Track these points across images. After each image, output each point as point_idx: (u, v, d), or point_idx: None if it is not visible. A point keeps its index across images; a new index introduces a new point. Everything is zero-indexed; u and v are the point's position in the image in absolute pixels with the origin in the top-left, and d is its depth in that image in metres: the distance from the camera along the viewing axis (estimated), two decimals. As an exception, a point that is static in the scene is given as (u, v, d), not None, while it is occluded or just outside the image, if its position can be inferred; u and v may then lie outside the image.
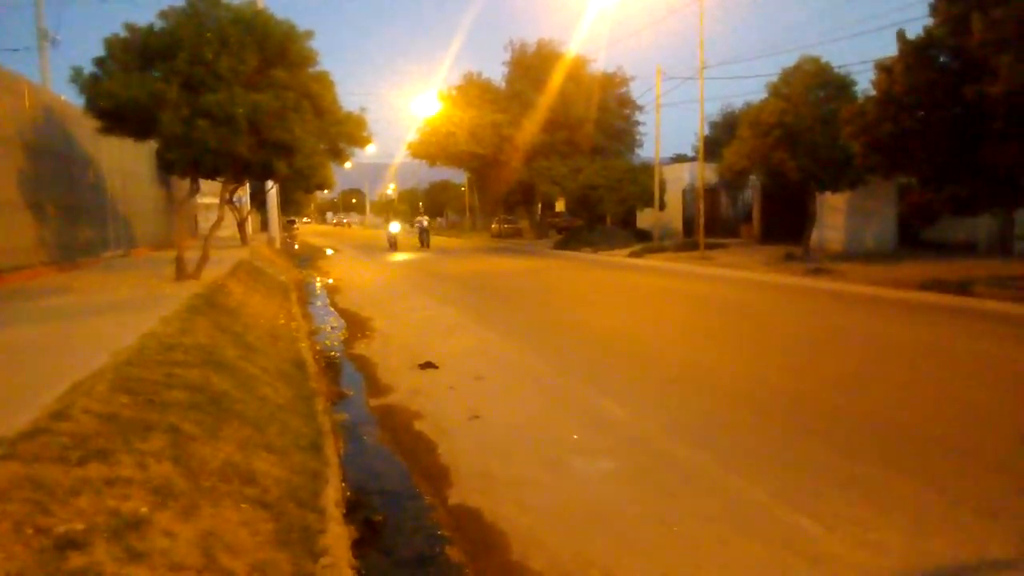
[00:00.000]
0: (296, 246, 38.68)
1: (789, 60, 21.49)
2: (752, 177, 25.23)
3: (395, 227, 34.98)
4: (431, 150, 42.76)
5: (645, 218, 33.70)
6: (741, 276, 18.08)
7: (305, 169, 12.93)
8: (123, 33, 11.00)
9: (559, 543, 3.86)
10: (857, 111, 15.18)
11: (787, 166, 19.66)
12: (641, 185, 30.63)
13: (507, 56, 44.48)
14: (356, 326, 11.50)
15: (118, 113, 10.68)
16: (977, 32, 12.09)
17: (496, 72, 67.57)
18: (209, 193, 22.58)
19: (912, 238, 22.58)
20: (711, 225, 28.31)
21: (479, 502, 4.45)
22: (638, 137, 45.10)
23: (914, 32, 13.98)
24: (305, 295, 16.04)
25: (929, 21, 13.88)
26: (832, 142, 18.03)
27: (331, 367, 8.73)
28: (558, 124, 39.05)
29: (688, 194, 32.49)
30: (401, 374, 7.99)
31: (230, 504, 3.40)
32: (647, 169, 31.31)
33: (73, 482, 3.10)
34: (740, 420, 5.99)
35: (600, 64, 53.32)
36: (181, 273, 11.47)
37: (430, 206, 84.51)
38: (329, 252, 34.51)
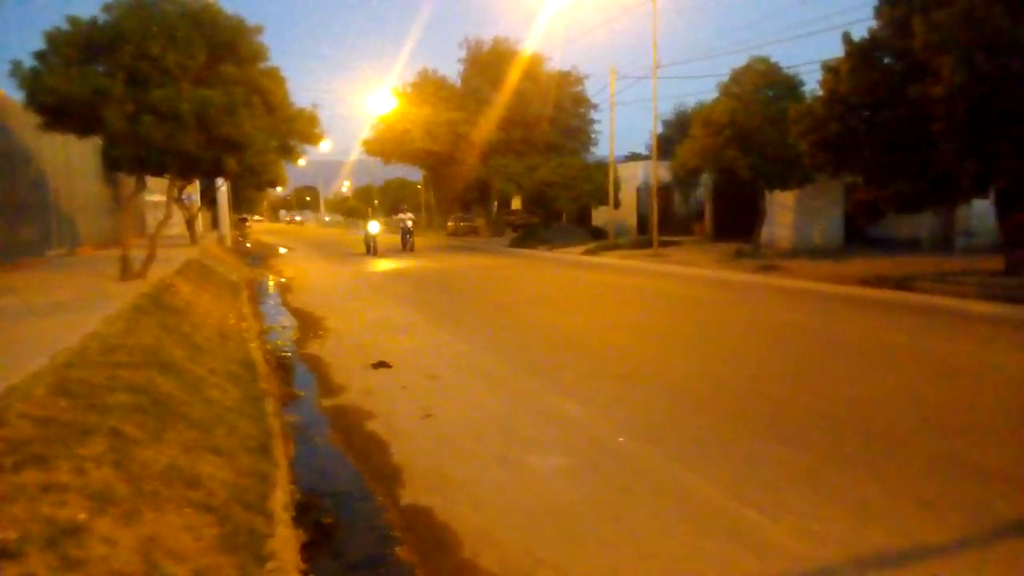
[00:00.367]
0: (248, 244, 38.05)
1: (740, 60, 21.88)
2: (704, 175, 25.61)
3: (374, 227, 28.85)
4: (386, 147, 42.49)
5: (600, 216, 33.94)
6: (693, 273, 18.33)
7: (256, 166, 12.72)
8: (65, 26, 10.68)
9: (511, 540, 3.87)
10: (805, 111, 15.48)
11: (738, 164, 20.00)
12: (596, 183, 30.83)
13: (462, 54, 44.40)
14: (309, 325, 11.36)
15: (60, 109, 10.36)
16: (919, 34, 12.42)
17: (451, 69, 67.35)
18: (158, 190, 22.06)
19: (858, 235, 23.17)
20: (665, 223, 28.62)
21: (431, 501, 4.43)
22: (593, 135, 45.40)
23: (859, 34, 14.34)
24: (257, 294, 15.79)
25: (874, 23, 14.24)
26: (781, 141, 18.34)
27: (282, 367, 8.60)
28: (514, 122, 39.09)
29: (642, 192, 32.82)
30: (354, 374, 7.92)
31: (173, 509, 3.33)
32: (602, 167, 31.53)
33: (7, 489, 3.00)
34: (690, 415, 6.07)
35: (555, 63, 53.47)
36: (127, 272, 11.19)
37: (385, 204, 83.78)
38: (283, 251, 34.01)
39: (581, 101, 44.00)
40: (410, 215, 31.29)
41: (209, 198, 29.36)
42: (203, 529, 3.26)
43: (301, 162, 18.90)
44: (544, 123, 39.99)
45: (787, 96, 20.03)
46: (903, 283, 13.52)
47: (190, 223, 24.44)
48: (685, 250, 24.21)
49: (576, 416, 6.10)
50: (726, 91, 21.30)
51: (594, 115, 44.60)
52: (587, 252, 26.03)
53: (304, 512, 4.31)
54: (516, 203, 42.78)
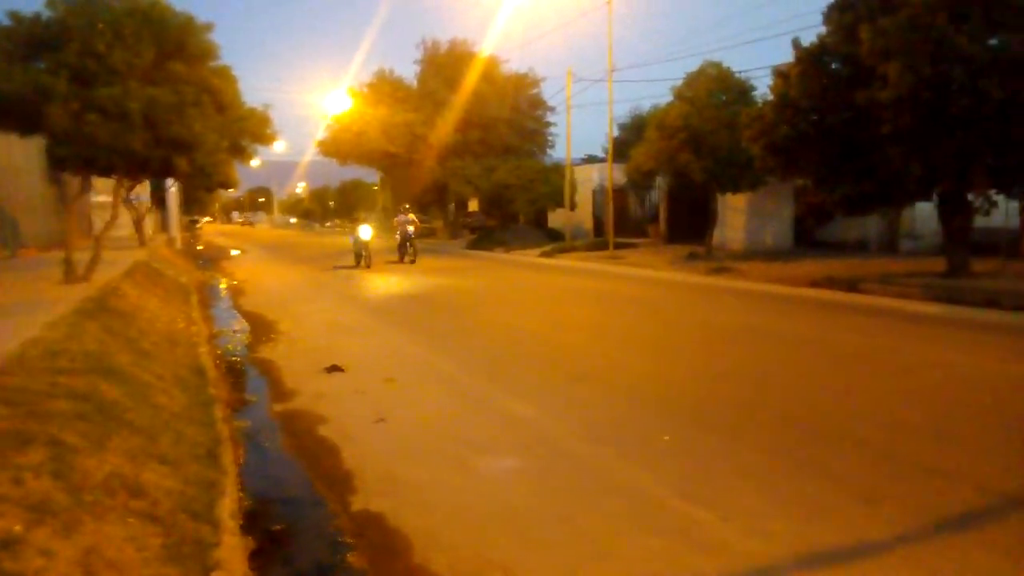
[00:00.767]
0: (200, 247, 37.34)
1: (694, 64, 22.17)
2: (659, 178, 25.87)
3: (366, 232, 21.99)
4: (342, 148, 42.11)
5: (557, 218, 34.08)
6: (648, 275, 18.53)
7: (207, 167, 12.47)
8: (6, 21, 10.37)
9: (462, 544, 3.86)
10: (756, 115, 15.76)
11: (691, 167, 20.25)
12: (553, 185, 30.97)
13: (419, 55, 44.24)
14: (261, 329, 11.19)
15: (0, 107, 10.05)
16: (866, 41, 12.75)
17: (408, 70, 66.95)
18: (105, 191, 21.43)
19: (808, 237, 23.64)
20: (620, 225, 28.88)
21: (383, 506, 4.40)
22: (549, 138, 45.57)
23: (809, 40, 14.66)
24: (207, 298, 15.49)
25: (823, 30, 14.56)
26: (734, 145, 18.59)
27: (233, 372, 8.45)
28: (471, 124, 39.07)
29: (598, 194, 33.04)
30: (307, 378, 7.82)
31: (116, 519, 3.25)
32: (558, 169, 31.68)
33: (-62, 502, 2.90)
34: (644, 416, 6.13)
35: (512, 65, 53.70)
36: (71, 275, 10.89)
37: (341, 205, 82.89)
38: (235, 253, 33.45)
39: (538, 103, 44.17)
40: (412, 216, 24.36)
41: (159, 199, 28.73)
42: (147, 539, 3.19)
43: (254, 163, 18.62)
44: (501, 125, 40.05)
45: (739, 100, 20.32)
46: (852, 285, 13.86)
47: (138, 225, 23.86)
48: (640, 252, 24.45)
49: (531, 418, 6.11)
50: (679, 95, 21.54)
51: (551, 117, 44.82)
52: (544, 254, 26.13)
53: (253, 520, 4.25)
54: (473, 205, 42.75)
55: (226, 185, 18.76)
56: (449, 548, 3.81)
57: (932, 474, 4.60)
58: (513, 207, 32.31)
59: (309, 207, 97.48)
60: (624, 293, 15.11)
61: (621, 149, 29.19)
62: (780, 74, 15.05)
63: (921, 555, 3.58)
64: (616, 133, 32.52)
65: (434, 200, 43.73)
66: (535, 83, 43.80)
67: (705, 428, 5.70)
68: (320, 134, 44.09)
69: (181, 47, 11.10)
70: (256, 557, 3.75)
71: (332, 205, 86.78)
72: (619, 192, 29.43)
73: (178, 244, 28.62)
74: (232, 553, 3.42)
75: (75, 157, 10.45)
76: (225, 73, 12.41)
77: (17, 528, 2.85)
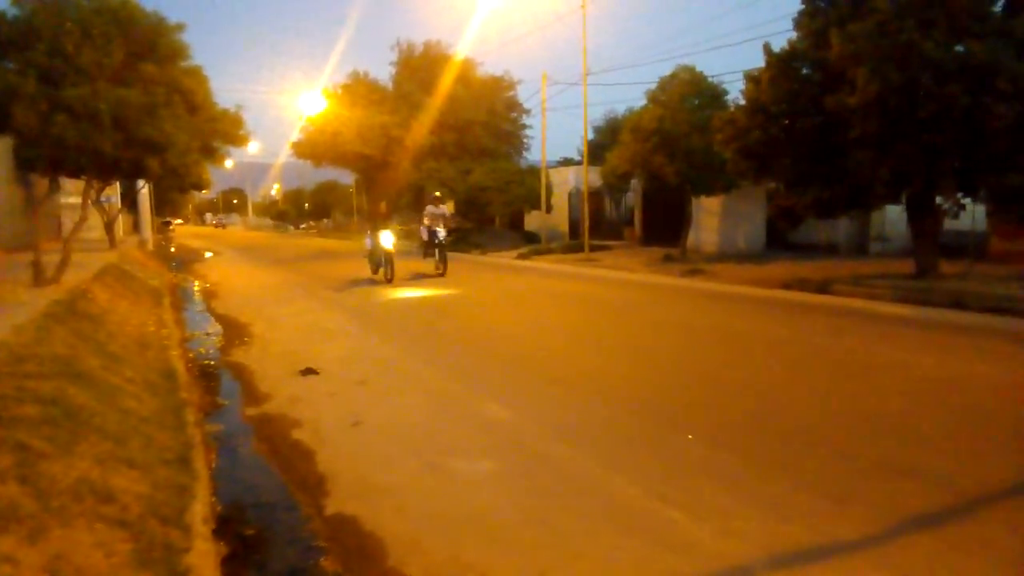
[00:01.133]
0: (172, 249, 36.90)
1: (668, 68, 22.36)
2: (634, 181, 26.04)
3: (387, 239, 17.53)
4: (317, 150, 41.85)
5: (532, 220, 34.15)
6: (623, 277, 18.62)
7: (179, 168, 12.40)
8: (-29, 20, 10.21)
9: (437, 547, 3.85)
10: (728, 119, 15.90)
11: (665, 170, 20.40)
12: (528, 187, 31.04)
13: (394, 56, 44.11)
14: (234, 332, 11.08)
15: (-35, 107, 9.89)
16: (836, 46, 12.93)
17: (383, 72, 66.74)
18: (75, 192, 21.20)
19: (779, 240, 23.89)
20: (596, 227, 29.00)
21: (357, 510, 4.38)
22: (525, 140, 45.62)
23: (779, 45, 14.84)
24: (180, 300, 15.31)
25: (794, 35, 14.75)
26: (707, 148, 18.75)
27: (205, 376, 8.36)
28: (447, 126, 38.99)
29: (574, 197, 33.17)
30: (280, 381, 7.76)
31: (84, 525, 3.20)
32: (534, 172, 31.76)
33: (-101, 509, 2.84)
34: (619, 418, 6.16)
35: (488, 67, 53.78)
36: (39, 278, 10.71)
37: (316, 207, 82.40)
38: (208, 255, 33.09)
39: (514, 106, 44.19)
40: (444, 211, 19.77)
41: (130, 200, 28.35)
42: (115, 545, 3.15)
43: (228, 163, 18.47)
44: (477, 127, 40.01)
45: (712, 104, 20.51)
46: (823, 287, 14.03)
47: (109, 226, 23.54)
48: (615, 255, 24.57)
49: (506, 421, 6.12)
50: (653, 98, 21.70)
51: (527, 120, 44.90)
52: (520, 256, 26.17)
53: (225, 524, 4.21)
54: (449, 207, 42.64)
55: (199, 186, 18.62)
56: (424, 551, 3.81)
57: (901, 474, 4.67)
58: (489, 209, 32.34)
59: (283, 209, 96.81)
60: (599, 295, 15.17)
61: (596, 152, 29.37)
62: (752, 79, 15.20)
63: (890, 553, 3.64)
64: (591, 136, 32.73)
65: (410, 202, 43.59)
66: (511, 86, 43.85)
67: (679, 429, 5.74)
68: (295, 136, 43.84)
69: (152, 47, 11.02)
70: (228, 562, 3.71)
71: (307, 207, 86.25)
72: (594, 194, 29.57)
73: (150, 246, 28.25)
74: (203, 558, 3.38)
75: (43, 158, 10.32)
76: (197, 74, 12.34)
77: (-19, 535, 2.80)
